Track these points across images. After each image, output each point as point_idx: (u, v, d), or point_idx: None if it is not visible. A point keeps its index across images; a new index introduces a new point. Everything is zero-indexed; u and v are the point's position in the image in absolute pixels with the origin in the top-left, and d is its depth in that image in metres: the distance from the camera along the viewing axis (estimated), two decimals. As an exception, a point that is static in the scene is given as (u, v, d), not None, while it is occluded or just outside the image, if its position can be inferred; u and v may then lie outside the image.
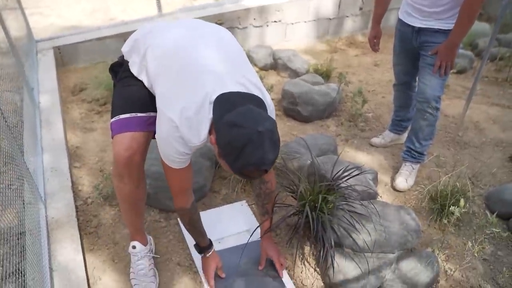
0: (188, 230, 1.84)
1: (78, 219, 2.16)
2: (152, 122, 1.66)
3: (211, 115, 1.39)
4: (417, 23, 2.35)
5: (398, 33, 2.58)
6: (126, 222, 1.96)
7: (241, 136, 1.25)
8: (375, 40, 2.70)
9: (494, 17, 5.14)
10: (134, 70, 1.67)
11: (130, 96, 1.69)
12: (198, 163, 2.31)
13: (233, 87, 1.41)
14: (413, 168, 2.70)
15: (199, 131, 1.41)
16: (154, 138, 1.73)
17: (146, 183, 1.85)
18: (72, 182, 2.39)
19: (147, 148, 1.71)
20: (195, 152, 2.24)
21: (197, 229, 1.84)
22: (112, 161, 2.59)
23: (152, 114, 1.67)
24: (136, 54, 1.66)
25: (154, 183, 2.22)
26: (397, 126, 2.98)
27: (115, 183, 1.73)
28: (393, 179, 2.70)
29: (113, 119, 1.68)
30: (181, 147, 1.46)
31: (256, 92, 1.47)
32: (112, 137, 1.67)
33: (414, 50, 2.48)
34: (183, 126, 1.40)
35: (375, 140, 3.04)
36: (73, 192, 2.30)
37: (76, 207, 2.26)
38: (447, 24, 2.25)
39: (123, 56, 1.76)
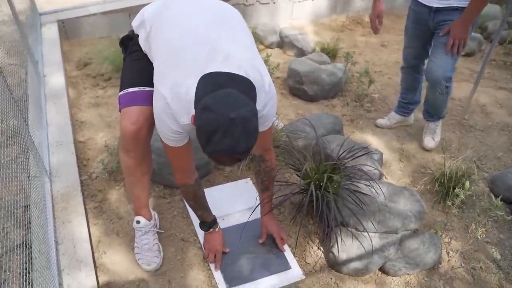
0: (192, 206, 1.85)
1: (83, 194, 2.17)
2: None
3: None
4: (435, 3, 2.31)
5: (412, 14, 2.52)
6: (131, 196, 1.97)
7: (211, 121, 1.19)
8: (377, 19, 2.55)
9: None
10: (142, 44, 1.66)
11: (139, 70, 1.68)
12: (203, 140, 2.30)
13: (226, 67, 1.34)
14: (436, 125, 2.82)
15: (188, 109, 1.36)
16: None
17: (152, 158, 1.85)
18: (77, 156, 2.39)
19: (154, 122, 1.71)
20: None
21: (202, 205, 1.85)
22: (117, 137, 2.59)
23: None
24: (144, 29, 1.64)
25: (158, 159, 2.22)
26: (403, 108, 2.95)
27: (122, 157, 1.74)
28: (421, 141, 2.84)
29: (122, 93, 1.68)
30: (173, 124, 1.43)
31: (254, 75, 1.40)
32: (120, 111, 1.67)
33: (428, 32, 2.45)
34: (174, 103, 1.37)
35: (381, 121, 3.02)
36: (78, 166, 2.30)
37: (81, 181, 2.26)
38: (466, 2, 2.20)
39: (133, 30, 1.74)
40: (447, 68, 2.39)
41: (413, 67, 2.73)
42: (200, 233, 2.05)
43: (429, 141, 2.82)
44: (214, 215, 1.95)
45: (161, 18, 1.56)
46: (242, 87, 1.32)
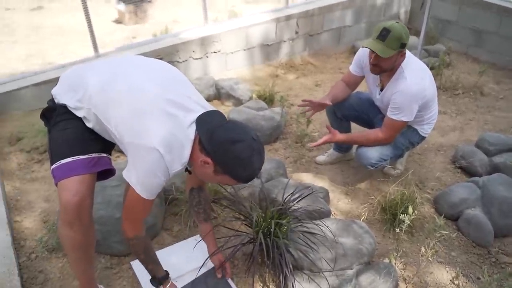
0: (143, 260, 1.78)
1: (21, 277, 2.02)
2: (95, 163, 1.64)
3: (191, 137, 1.49)
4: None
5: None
6: (76, 273, 1.86)
7: (245, 148, 1.42)
8: (316, 104, 2.71)
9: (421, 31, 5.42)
10: (78, 112, 1.63)
11: (69, 140, 1.64)
12: (147, 202, 2.24)
13: (198, 108, 1.55)
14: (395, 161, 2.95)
15: (181, 154, 1.48)
16: (98, 180, 1.69)
17: (95, 228, 1.78)
18: (13, 237, 2.25)
19: (94, 190, 1.65)
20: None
21: (152, 257, 1.80)
22: (56, 211, 2.47)
23: (93, 155, 1.64)
24: (74, 94, 1.64)
25: (102, 228, 2.12)
26: (340, 146, 3.01)
27: (64, 232, 1.64)
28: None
29: (54, 166, 1.61)
30: (164, 176, 1.49)
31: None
32: (56, 184, 1.60)
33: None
34: (166, 153, 1.44)
35: (320, 158, 3.06)
36: (15, 248, 2.16)
37: (19, 264, 2.12)
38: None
39: (52, 100, 1.71)
40: (372, 156, 2.60)
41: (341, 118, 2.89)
42: None
43: (389, 169, 2.92)
44: (166, 271, 1.87)
45: (98, 81, 1.61)
46: (222, 116, 1.56)
